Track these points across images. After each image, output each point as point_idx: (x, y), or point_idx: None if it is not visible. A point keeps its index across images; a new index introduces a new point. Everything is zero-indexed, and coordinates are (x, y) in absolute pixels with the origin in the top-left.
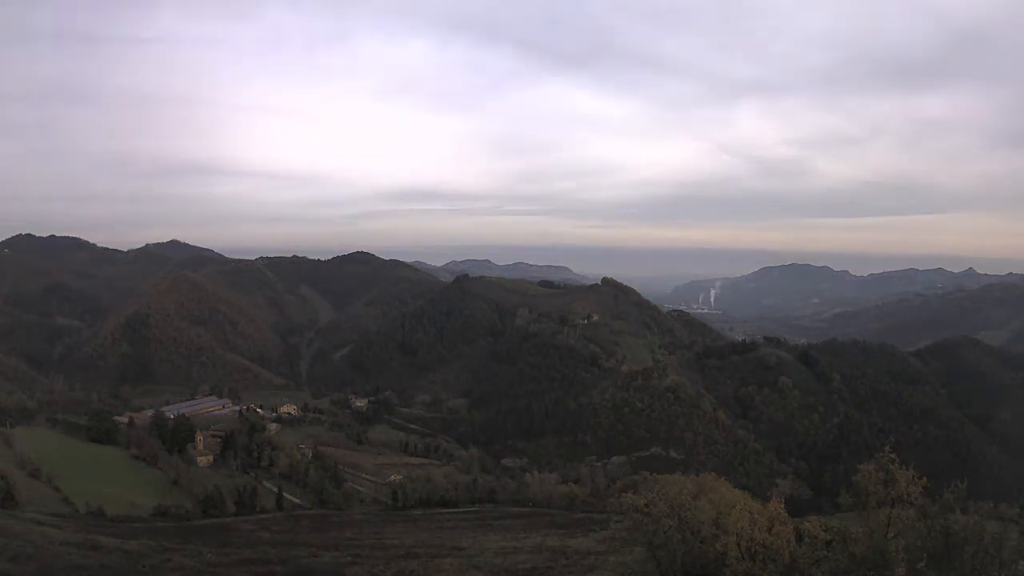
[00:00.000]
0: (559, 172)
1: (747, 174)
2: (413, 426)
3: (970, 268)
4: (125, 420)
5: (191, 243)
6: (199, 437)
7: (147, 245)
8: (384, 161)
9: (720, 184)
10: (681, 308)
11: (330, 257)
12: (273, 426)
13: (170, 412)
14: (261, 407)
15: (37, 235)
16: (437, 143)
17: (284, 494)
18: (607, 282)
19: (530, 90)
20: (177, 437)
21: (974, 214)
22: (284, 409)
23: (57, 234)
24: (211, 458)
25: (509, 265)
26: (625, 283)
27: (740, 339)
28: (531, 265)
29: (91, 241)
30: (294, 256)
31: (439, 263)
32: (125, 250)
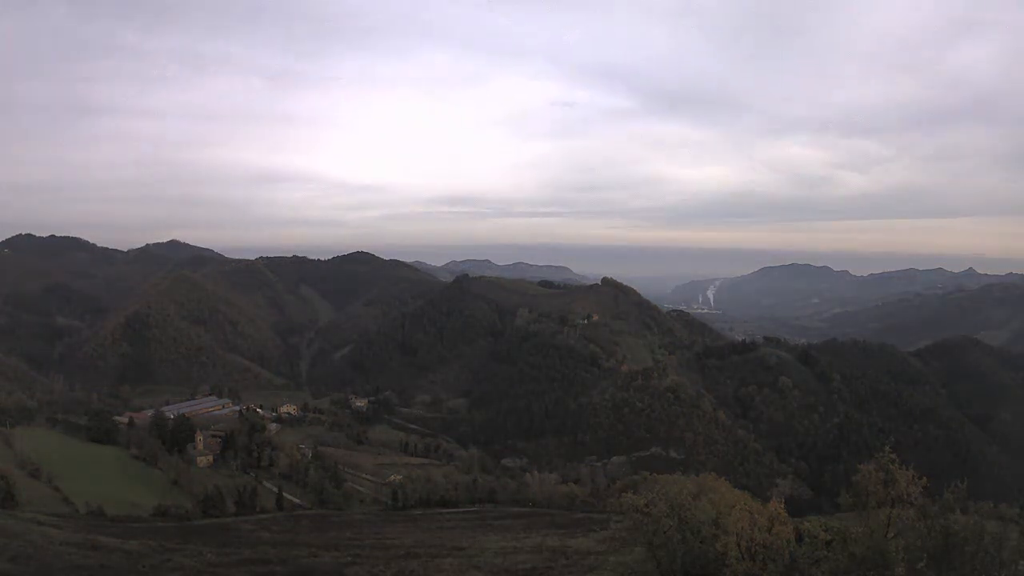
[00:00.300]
0: (613, 184)
1: (777, 186)
2: (413, 426)
3: (970, 268)
4: (125, 420)
5: (191, 243)
6: (199, 437)
7: (147, 245)
8: (459, 176)
9: (748, 194)
10: (681, 308)
11: (330, 257)
12: (273, 426)
13: (170, 412)
14: (261, 407)
15: (37, 235)
16: (517, 161)
17: (284, 494)
18: (607, 282)
19: (619, 122)
20: (177, 437)
21: (975, 218)
22: (284, 409)
23: (57, 234)
24: (211, 458)
25: (509, 265)
26: (625, 283)
27: (740, 339)
28: (531, 265)
29: (91, 241)
30: (294, 256)
31: (439, 263)
32: (125, 250)
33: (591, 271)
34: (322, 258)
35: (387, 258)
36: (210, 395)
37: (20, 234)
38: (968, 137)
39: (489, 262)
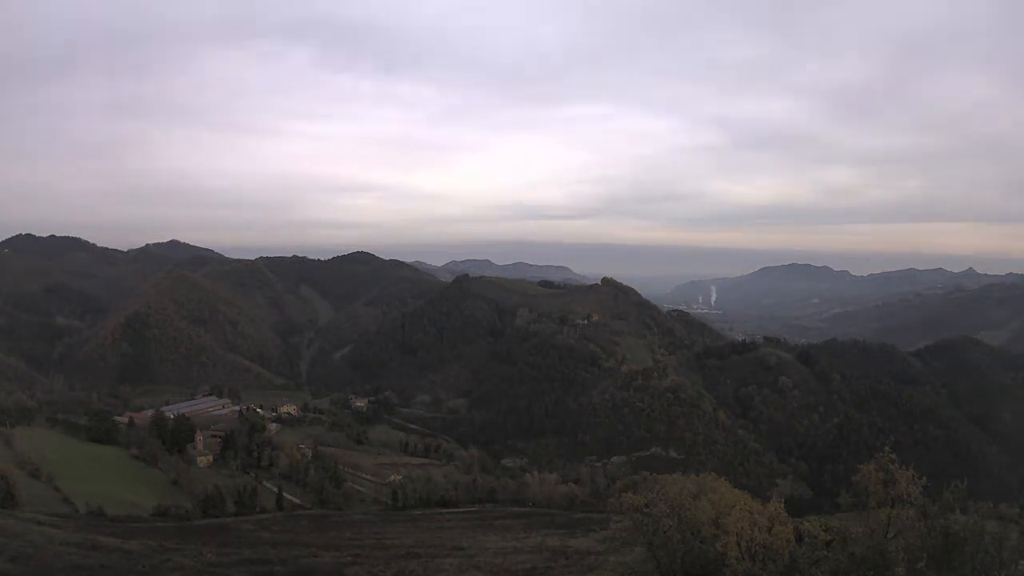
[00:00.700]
0: (661, 196)
1: (794, 197)
2: (413, 426)
3: (970, 268)
4: (125, 420)
5: (191, 243)
6: (199, 437)
7: (147, 245)
8: (526, 190)
9: (782, 204)
10: (681, 308)
11: (330, 257)
12: (273, 426)
13: (170, 412)
14: (261, 407)
15: (37, 235)
16: (579, 176)
17: (284, 494)
18: (607, 282)
19: (682, 146)
20: (177, 437)
21: (975, 225)
22: (284, 409)
23: (57, 234)
24: (211, 458)
25: (509, 265)
26: (625, 283)
27: (740, 339)
28: (531, 265)
29: (91, 241)
30: (294, 256)
31: (439, 263)
32: (125, 250)
33: (591, 271)
34: (322, 258)
35: (387, 258)
36: (210, 395)
37: (20, 234)
38: (976, 169)
39: (489, 262)
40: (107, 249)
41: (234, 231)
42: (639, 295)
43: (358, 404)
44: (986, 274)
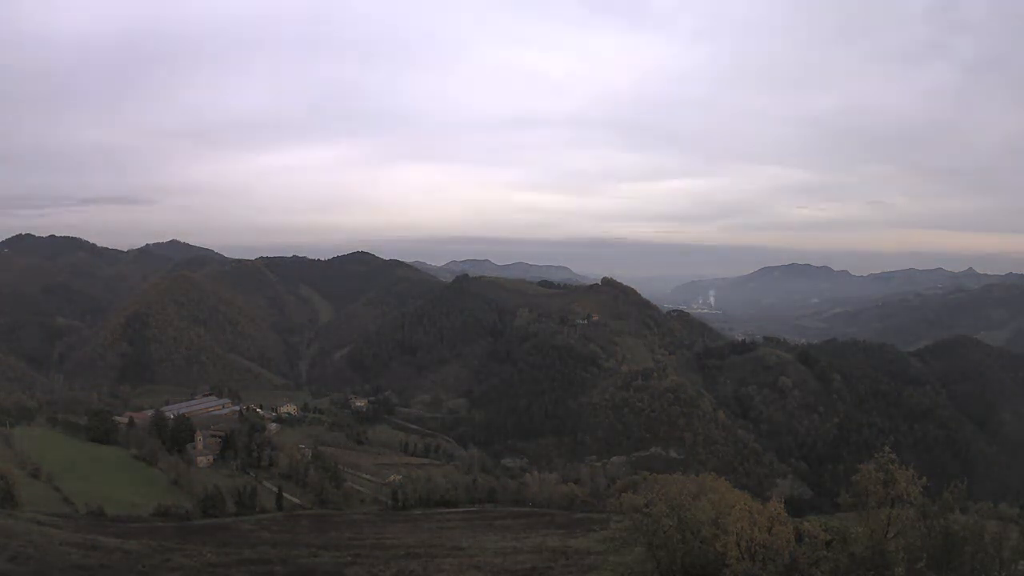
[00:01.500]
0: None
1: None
2: (413, 426)
3: (970, 268)
4: (125, 420)
5: (191, 243)
6: (199, 437)
7: (147, 245)
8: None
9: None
10: (681, 308)
11: (330, 257)
12: (273, 426)
13: (170, 412)
14: (261, 407)
15: (37, 235)
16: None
17: (284, 494)
18: (607, 282)
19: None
20: (177, 437)
21: (974, 233)
22: (284, 409)
23: (57, 234)
24: (211, 458)
25: (509, 265)
26: (625, 283)
27: (740, 339)
28: (531, 265)
29: (91, 241)
30: (294, 256)
31: (439, 263)
32: (125, 250)
33: (591, 271)
34: (322, 258)
35: (388, 258)
36: (210, 395)
37: (20, 234)
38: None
39: (489, 262)
40: (107, 249)
41: (234, 231)
42: (639, 295)
43: (358, 404)
44: (986, 274)
